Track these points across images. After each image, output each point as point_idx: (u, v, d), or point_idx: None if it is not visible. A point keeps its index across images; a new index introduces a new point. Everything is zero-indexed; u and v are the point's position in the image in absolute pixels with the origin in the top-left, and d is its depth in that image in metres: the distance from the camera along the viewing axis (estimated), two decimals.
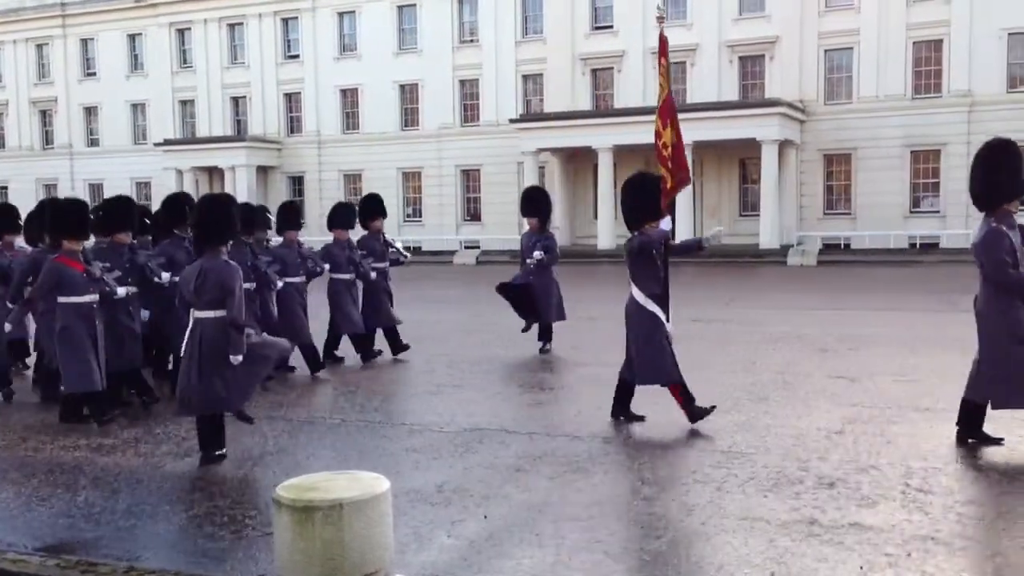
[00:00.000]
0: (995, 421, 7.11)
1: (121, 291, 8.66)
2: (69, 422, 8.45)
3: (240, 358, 6.84)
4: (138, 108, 50.34)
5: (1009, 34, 33.52)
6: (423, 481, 6.40)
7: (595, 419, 8.11)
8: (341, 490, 4.60)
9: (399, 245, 12.71)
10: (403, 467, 6.77)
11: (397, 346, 11.88)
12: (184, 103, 49.31)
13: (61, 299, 8.24)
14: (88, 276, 8.30)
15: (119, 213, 9.20)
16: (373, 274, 11.56)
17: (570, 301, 12.59)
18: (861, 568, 4.69)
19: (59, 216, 8.52)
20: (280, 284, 10.18)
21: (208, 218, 7.05)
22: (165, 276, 9.33)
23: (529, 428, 7.86)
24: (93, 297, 8.34)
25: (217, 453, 7.03)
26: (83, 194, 46.77)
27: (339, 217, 11.90)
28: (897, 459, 6.65)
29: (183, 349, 7.01)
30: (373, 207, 12.17)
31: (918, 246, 34.14)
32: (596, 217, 37.61)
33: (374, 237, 12.08)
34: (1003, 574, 4.58)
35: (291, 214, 11.36)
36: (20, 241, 11.00)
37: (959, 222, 34.21)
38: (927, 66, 35.00)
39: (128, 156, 49.75)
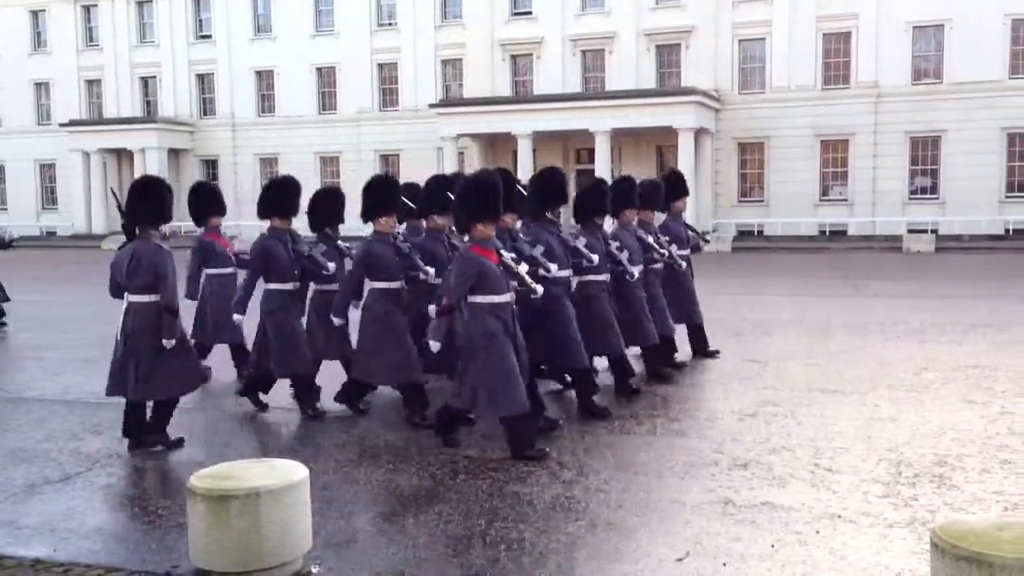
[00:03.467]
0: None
1: None
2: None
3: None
4: (41, 87, 48.47)
5: (914, 27, 34.64)
6: (343, 468, 6.34)
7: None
8: (258, 478, 4.54)
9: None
10: (322, 454, 6.70)
11: None
12: (91, 83, 47.67)
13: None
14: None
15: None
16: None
17: None
18: (772, 546, 4.82)
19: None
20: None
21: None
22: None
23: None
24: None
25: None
26: None
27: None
28: (807, 440, 6.85)
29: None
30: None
31: (827, 233, 35.15)
32: None
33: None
34: (899, 547, 4.76)
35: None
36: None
37: (866, 210, 35.39)
38: (836, 57, 35.95)
39: (31, 137, 47.89)
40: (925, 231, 33.25)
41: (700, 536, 4.97)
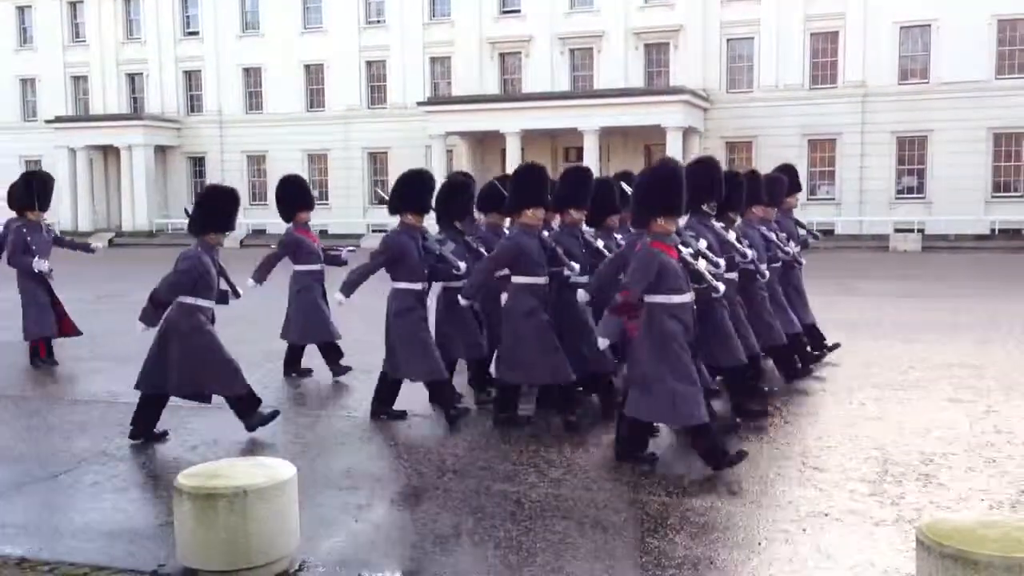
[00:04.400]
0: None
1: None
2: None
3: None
4: (27, 83, 48.19)
5: (901, 27, 34.79)
6: (330, 467, 6.33)
7: None
8: (245, 477, 4.53)
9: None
10: (310, 453, 6.69)
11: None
12: (77, 79, 47.42)
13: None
14: None
15: None
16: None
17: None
18: (759, 544, 4.84)
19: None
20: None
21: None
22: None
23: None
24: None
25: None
26: None
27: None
28: (793, 438, 6.87)
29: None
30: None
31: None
32: None
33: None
34: (885, 545, 4.79)
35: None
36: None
37: (853, 209, 35.53)
38: (824, 57, 36.09)
39: (17, 133, 47.61)
40: (912, 230, 33.41)
41: (683, 525, 4.98)
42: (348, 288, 7.35)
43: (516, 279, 7.18)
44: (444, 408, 7.47)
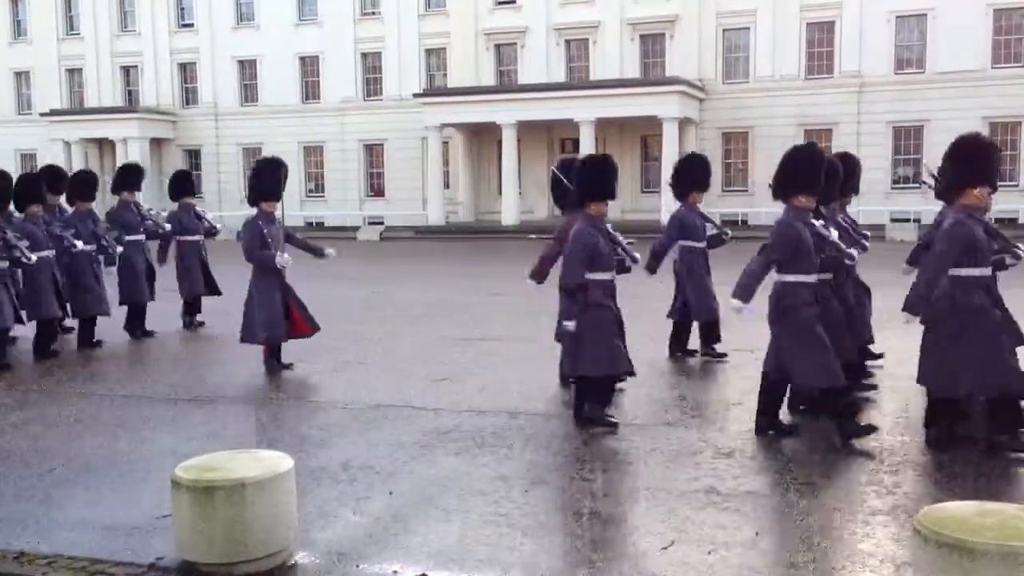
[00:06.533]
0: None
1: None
2: None
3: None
4: (22, 76, 48.05)
5: (897, 17, 34.76)
6: (328, 459, 6.34)
7: (499, 395, 8.16)
8: (243, 469, 4.53)
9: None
10: (308, 445, 6.69)
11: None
12: (71, 71, 47.28)
13: None
14: None
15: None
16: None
17: (474, 277, 12.60)
18: (757, 534, 4.85)
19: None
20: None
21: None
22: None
23: (434, 404, 7.86)
24: None
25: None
26: None
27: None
28: (797, 429, 6.88)
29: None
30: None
31: None
32: (500, 193, 37.70)
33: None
34: (879, 531, 4.81)
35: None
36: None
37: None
38: (820, 47, 36.04)
39: (11, 127, 47.47)
40: (908, 220, 33.43)
41: (684, 524, 4.99)
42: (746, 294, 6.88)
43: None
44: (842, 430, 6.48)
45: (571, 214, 7.87)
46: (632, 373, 7.33)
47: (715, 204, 36.98)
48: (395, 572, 4.49)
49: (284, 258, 9.28)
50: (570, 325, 6.95)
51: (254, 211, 9.53)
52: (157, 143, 45.01)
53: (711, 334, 9.75)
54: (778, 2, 35.84)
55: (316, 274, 12.37)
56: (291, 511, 4.62)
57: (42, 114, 45.16)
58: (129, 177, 12.33)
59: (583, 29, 38.71)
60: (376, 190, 42.71)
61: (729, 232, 10.40)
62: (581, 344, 7.00)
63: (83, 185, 11.46)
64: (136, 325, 11.76)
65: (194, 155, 45.50)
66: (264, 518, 4.44)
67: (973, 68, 33.69)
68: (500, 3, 39.82)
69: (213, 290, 12.48)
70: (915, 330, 6.68)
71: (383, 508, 5.37)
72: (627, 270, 7.60)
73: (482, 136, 39.27)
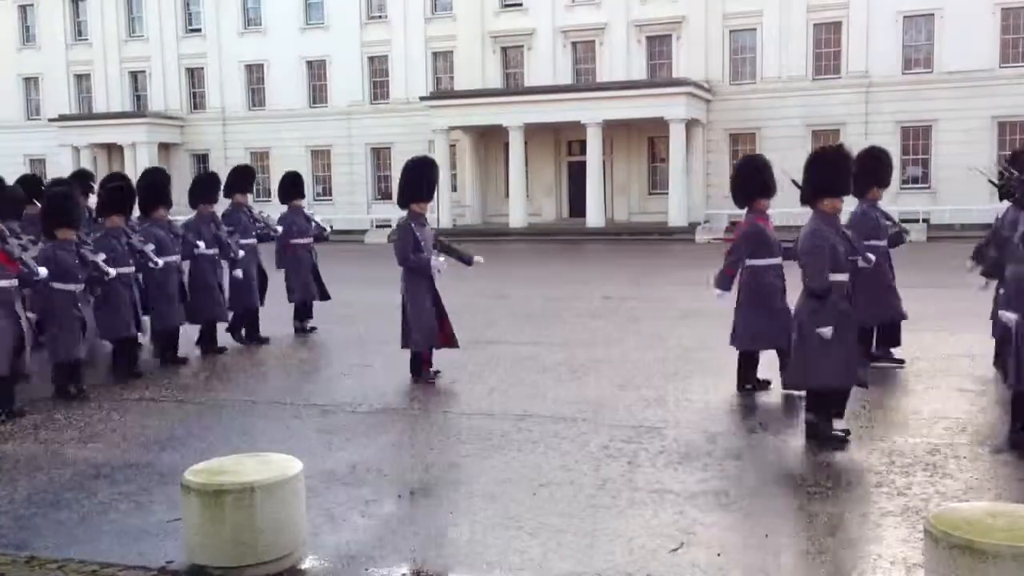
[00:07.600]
0: None
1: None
2: None
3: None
4: (31, 82, 48.22)
5: (904, 17, 34.64)
6: (336, 462, 6.34)
7: (508, 397, 8.15)
8: (252, 473, 4.53)
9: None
10: (316, 448, 6.69)
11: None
12: (80, 77, 47.43)
13: None
14: None
15: None
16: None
17: (484, 279, 12.58)
18: (766, 535, 4.84)
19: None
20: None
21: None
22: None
23: (442, 407, 7.86)
24: None
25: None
26: None
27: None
28: (800, 431, 6.85)
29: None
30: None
31: None
32: (508, 195, 37.71)
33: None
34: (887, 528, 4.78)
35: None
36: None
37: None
38: (827, 47, 35.93)
39: (20, 132, 47.63)
40: (917, 220, 33.30)
41: (694, 526, 4.98)
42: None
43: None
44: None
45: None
46: (864, 385, 6.71)
47: (723, 205, 36.91)
48: None
49: (439, 262, 8.86)
50: (826, 332, 6.33)
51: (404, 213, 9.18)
52: (165, 148, 45.12)
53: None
54: (784, 3, 35.76)
55: (327, 278, 12.33)
56: (300, 515, 4.62)
57: (51, 119, 45.31)
58: (240, 178, 11.75)
59: (590, 31, 38.70)
60: (384, 193, 42.74)
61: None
62: (822, 352, 6.43)
63: (205, 187, 11.01)
64: (248, 331, 11.24)
65: (202, 159, 45.58)
66: (272, 522, 4.45)
67: (981, 67, 33.55)
68: (507, 5, 39.83)
69: (324, 295, 12.00)
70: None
71: (392, 511, 5.37)
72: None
73: (489, 139, 39.28)
